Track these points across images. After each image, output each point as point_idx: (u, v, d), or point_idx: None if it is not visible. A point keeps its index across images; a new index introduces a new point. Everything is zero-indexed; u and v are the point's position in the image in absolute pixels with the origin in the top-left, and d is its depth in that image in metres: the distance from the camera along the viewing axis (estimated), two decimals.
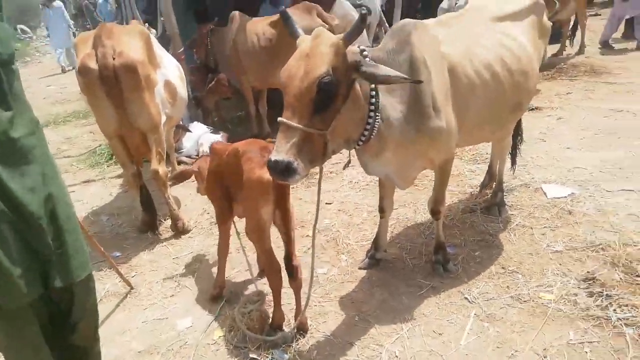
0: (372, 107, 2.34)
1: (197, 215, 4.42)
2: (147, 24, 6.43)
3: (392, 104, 2.50)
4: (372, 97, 2.33)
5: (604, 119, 5.52)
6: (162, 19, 8.49)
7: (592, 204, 3.69)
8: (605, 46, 8.94)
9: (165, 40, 6.08)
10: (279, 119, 2.09)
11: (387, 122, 2.47)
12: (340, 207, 4.24)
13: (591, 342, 2.44)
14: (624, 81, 6.85)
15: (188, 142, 6.05)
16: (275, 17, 5.73)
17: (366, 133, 2.37)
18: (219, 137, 5.97)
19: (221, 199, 2.89)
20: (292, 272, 2.58)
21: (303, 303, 2.62)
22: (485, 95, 2.80)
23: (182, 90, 4.42)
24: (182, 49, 6.07)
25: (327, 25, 5.24)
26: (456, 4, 5.77)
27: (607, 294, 2.71)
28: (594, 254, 3.09)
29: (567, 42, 9.07)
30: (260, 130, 6.48)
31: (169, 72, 4.26)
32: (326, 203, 4.32)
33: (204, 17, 7.26)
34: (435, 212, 3.06)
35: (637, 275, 2.82)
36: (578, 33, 9.00)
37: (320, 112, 2.10)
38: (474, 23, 2.97)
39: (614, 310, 2.60)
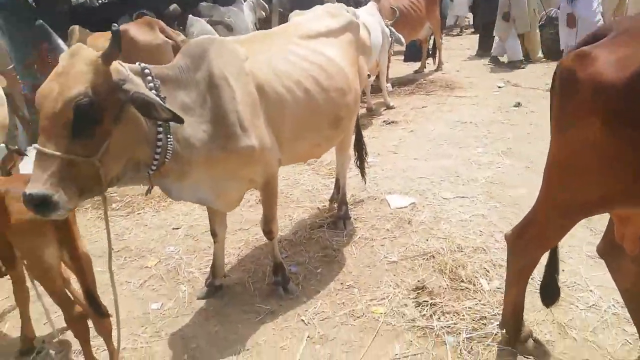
0: (160, 129, 2.19)
1: None
2: None
3: (191, 123, 2.35)
4: None
5: (449, 130, 5.91)
6: None
7: (429, 213, 3.86)
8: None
9: None
10: (33, 145, 1.88)
11: (187, 142, 2.33)
12: (188, 232, 3.99)
13: (415, 354, 2.47)
14: (471, 94, 7.47)
15: (26, 169, 5.38)
16: None
17: (157, 157, 2.20)
18: None
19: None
20: (97, 309, 2.28)
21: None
22: (299, 111, 2.76)
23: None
24: (11, 66, 5.41)
25: (171, 42, 5.00)
26: None
27: (432, 302, 2.79)
28: (425, 262, 3.20)
29: (433, 59, 9.69)
30: None
31: None
32: (173, 228, 4.06)
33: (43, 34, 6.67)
34: (267, 231, 2.95)
35: (462, 281, 2.95)
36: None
37: (82, 136, 1.90)
38: (283, 41, 2.93)
39: (438, 318, 2.67)
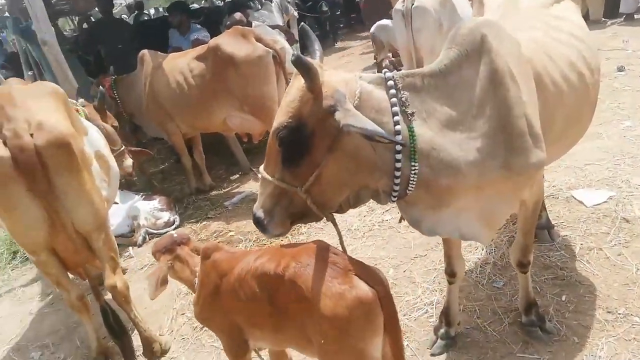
0: (399, 156, 1.74)
1: (169, 321, 3.28)
2: None
3: (454, 142, 1.81)
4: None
5: None
6: (30, 73, 7.11)
7: None
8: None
9: None
10: (260, 168, 1.90)
11: (448, 167, 1.79)
12: None
13: None
14: None
15: (116, 218, 4.75)
16: (200, 48, 4.74)
17: (397, 188, 1.80)
18: (155, 204, 4.79)
19: (231, 332, 1.99)
20: None
21: None
22: (573, 102, 2.19)
23: (113, 161, 3.28)
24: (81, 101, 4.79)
25: (271, 51, 4.38)
26: (412, 4, 5.21)
27: None
28: None
29: None
30: (202, 185, 5.40)
31: (96, 139, 3.12)
32: None
33: (98, 69, 6.10)
34: (524, 264, 2.37)
35: None
36: None
37: (290, 165, 1.78)
38: (532, 12, 2.36)
39: None
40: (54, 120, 2.43)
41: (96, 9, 8.94)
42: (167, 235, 2.23)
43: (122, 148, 4.22)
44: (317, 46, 1.94)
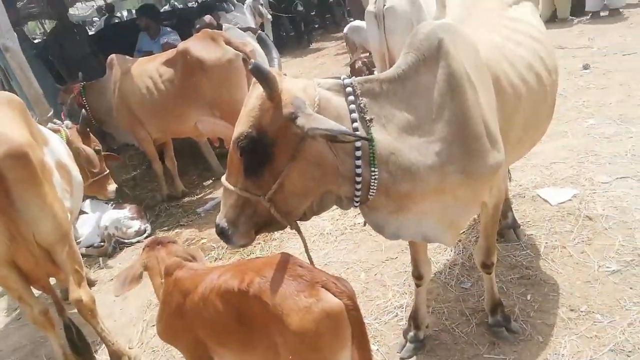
0: (359, 162, 1.76)
1: (139, 334, 3.23)
2: None
3: (413, 147, 1.84)
4: (357, 148, 1.76)
5: None
6: None
7: (603, 202, 3.34)
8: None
9: None
10: (222, 178, 1.89)
11: (406, 172, 1.82)
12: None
13: None
14: None
15: (85, 228, 4.67)
16: (170, 52, 4.68)
17: (358, 193, 1.81)
18: (126, 212, 4.71)
19: (197, 350, 1.95)
20: None
21: None
22: (531, 104, 2.24)
23: (76, 170, 3.20)
24: (51, 113, 4.71)
25: (241, 54, 4.35)
26: (384, 5, 5.23)
27: None
28: None
29: None
30: (174, 191, 5.34)
31: (57, 149, 3.04)
32: None
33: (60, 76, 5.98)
34: (487, 265, 2.41)
35: None
36: None
37: (252, 175, 1.78)
38: (490, 14, 2.40)
39: None
40: (10, 131, 2.37)
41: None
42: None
43: (106, 172, 4.11)
44: (274, 54, 1.96)
